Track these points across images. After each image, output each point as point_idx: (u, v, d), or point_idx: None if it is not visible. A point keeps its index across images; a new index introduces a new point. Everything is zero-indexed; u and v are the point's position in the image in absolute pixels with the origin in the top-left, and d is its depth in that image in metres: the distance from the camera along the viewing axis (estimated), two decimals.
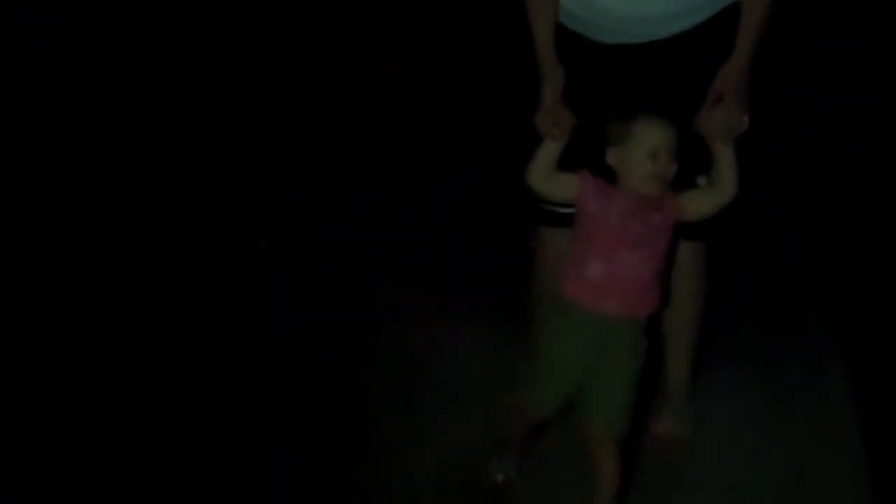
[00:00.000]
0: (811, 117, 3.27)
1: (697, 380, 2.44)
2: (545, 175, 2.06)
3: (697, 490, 2.24)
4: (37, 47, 3.09)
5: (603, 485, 2.11)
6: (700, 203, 2.05)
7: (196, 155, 3.10)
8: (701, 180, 2.14)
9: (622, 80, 2.16)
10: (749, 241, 2.86)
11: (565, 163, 2.09)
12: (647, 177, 1.99)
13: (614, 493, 2.11)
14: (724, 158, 2.03)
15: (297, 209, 3.17)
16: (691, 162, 2.10)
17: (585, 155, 2.09)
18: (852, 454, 2.30)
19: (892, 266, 2.75)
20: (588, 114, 2.09)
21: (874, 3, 3.42)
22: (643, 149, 1.99)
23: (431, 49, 3.47)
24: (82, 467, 2.15)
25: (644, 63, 2.14)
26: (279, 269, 2.93)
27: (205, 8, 3.33)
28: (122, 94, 3.17)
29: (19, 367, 2.37)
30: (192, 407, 2.36)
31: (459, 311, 2.76)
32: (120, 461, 2.18)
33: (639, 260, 2.01)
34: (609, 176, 2.06)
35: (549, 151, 2.05)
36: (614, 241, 2.01)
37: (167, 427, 2.30)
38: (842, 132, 3.24)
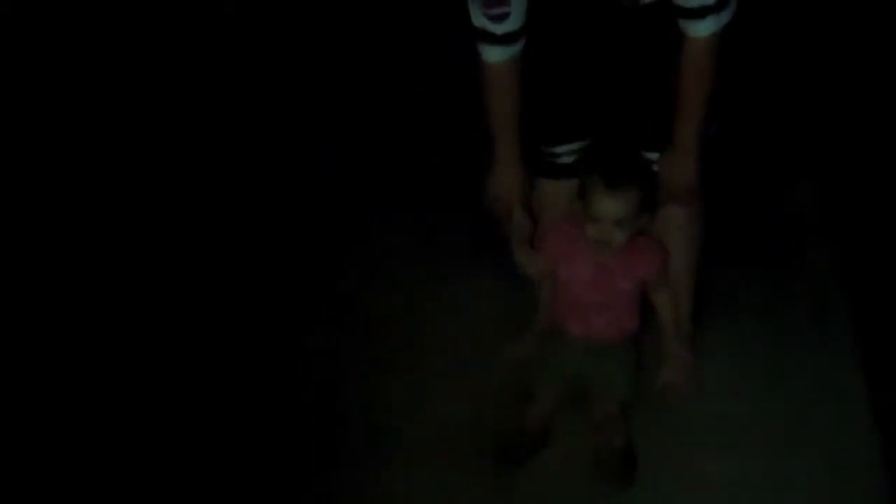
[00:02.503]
0: (812, 47, 3.24)
1: (697, 328, 2.45)
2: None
3: (701, 436, 2.26)
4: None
5: (610, 438, 2.18)
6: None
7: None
8: (652, 156, 2.20)
9: (596, 50, 2.15)
10: (747, 184, 2.86)
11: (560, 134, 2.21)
12: (590, 238, 2.11)
13: (622, 445, 2.18)
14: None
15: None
16: (647, 137, 2.17)
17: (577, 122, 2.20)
18: (855, 398, 2.31)
19: (892, 202, 2.74)
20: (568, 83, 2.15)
21: None
22: (589, 213, 2.08)
23: None
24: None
25: (614, 34, 2.12)
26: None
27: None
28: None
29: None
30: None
31: (461, 264, 2.75)
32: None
33: (605, 323, 2.20)
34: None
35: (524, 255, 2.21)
36: (583, 307, 2.20)
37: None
38: (845, 66, 3.21)
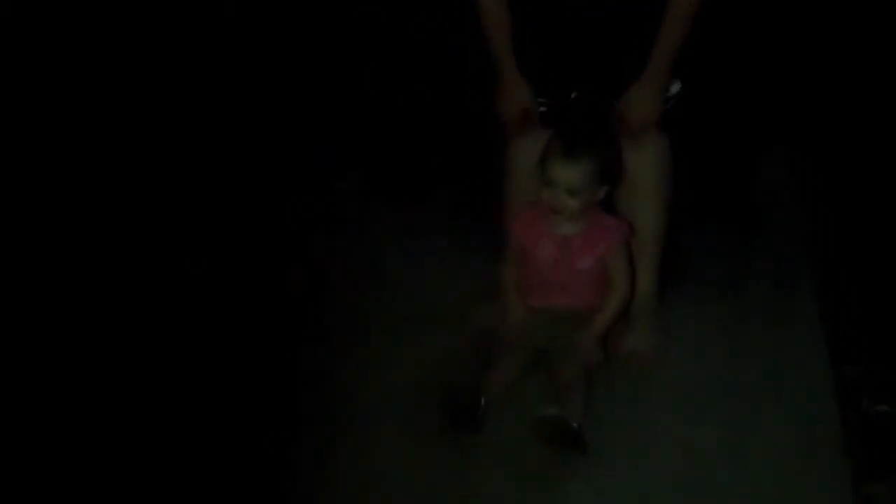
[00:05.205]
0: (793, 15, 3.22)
1: (663, 294, 2.44)
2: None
3: (663, 401, 2.25)
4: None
5: (572, 401, 2.16)
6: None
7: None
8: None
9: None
10: (714, 147, 2.85)
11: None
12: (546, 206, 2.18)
13: (583, 408, 2.16)
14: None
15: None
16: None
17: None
18: (818, 364, 2.30)
19: (861, 175, 2.72)
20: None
21: None
22: (545, 177, 2.16)
23: None
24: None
25: None
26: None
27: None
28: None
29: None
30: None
31: (428, 225, 2.76)
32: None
33: (567, 302, 2.28)
34: None
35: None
36: (545, 286, 2.26)
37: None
38: (822, 37, 3.19)
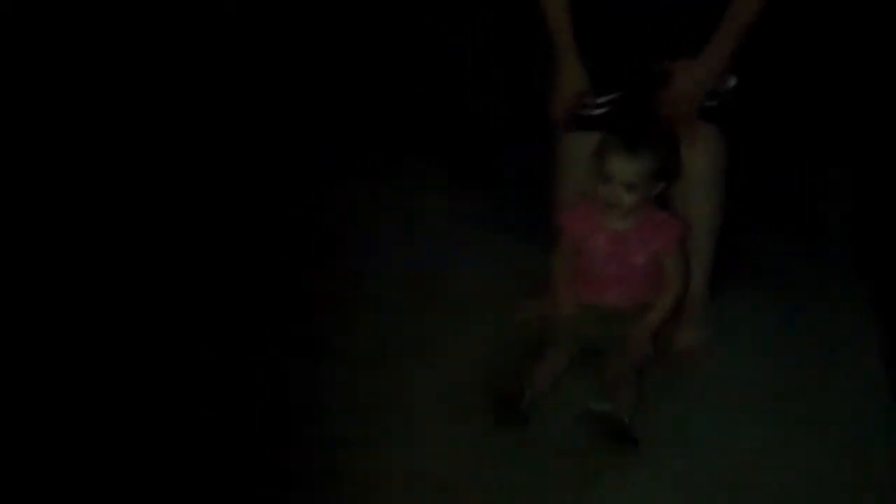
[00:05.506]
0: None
1: (717, 293, 2.43)
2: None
3: (713, 399, 2.24)
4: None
5: (622, 397, 2.17)
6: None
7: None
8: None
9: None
10: (770, 144, 2.81)
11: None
12: (601, 200, 2.17)
13: (632, 405, 2.16)
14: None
15: None
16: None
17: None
18: (869, 365, 2.29)
19: None
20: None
21: None
22: (602, 172, 2.14)
23: None
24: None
25: None
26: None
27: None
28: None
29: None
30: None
31: (476, 218, 2.75)
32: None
33: (619, 295, 2.26)
34: None
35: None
36: (598, 279, 2.25)
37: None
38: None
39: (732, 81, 2.22)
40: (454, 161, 3.00)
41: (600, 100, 2.28)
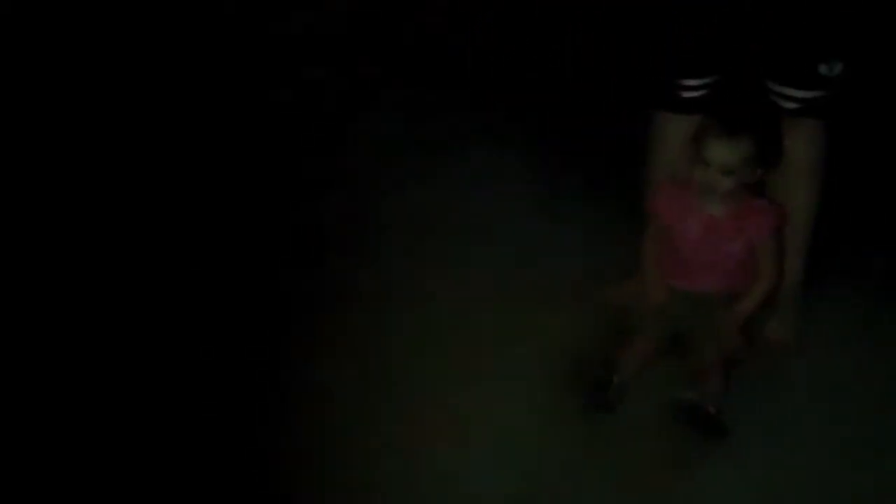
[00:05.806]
0: None
1: (808, 289, 2.38)
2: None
3: (802, 392, 2.21)
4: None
5: (711, 386, 2.15)
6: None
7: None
8: (822, 69, 2.13)
9: None
10: (873, 135, 2.73)
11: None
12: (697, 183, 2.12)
13: (720, 394, 2.15)
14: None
15: None
16: (811, 46, 2.10)
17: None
18: None
19: None
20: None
21: None
22: (699, 156, 2.09)
23: None
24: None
25: None
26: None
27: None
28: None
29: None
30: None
31: (564, 204, 2.71)
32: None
33: (711, 282, 2.20)
34: None
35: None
36: (690, 265, 2.20)
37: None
38: None
39: (838, 67, 2.15)
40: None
41: (697, 82, 2.22)
